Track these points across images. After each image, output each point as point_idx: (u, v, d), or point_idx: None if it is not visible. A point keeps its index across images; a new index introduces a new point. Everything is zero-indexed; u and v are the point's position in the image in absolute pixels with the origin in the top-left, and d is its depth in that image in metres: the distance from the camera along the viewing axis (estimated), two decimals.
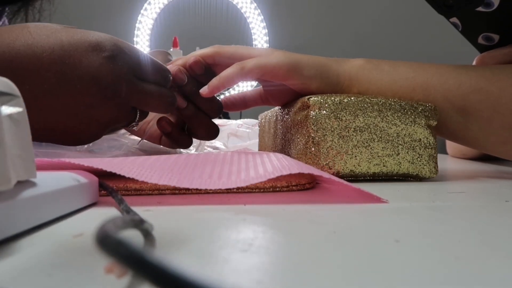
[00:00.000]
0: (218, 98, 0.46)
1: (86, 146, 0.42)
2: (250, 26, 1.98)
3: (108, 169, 0.24)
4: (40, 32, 0.32)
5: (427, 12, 0.71)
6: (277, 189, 0.28)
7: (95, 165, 0.24)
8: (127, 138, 0.48)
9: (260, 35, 1.97)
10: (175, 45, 1.42)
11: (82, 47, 0.33)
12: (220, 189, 0.25)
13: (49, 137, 0.35)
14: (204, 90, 0.41)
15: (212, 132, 0.46)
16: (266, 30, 1.97)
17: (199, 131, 0.46)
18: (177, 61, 0.44)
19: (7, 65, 0.30)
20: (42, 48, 0.32)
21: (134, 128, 0.41)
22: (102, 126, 0.36)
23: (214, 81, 0.40)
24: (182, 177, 0.25)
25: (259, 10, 1.96)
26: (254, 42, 1.97)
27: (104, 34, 0.35)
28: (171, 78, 0.40)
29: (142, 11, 1.93)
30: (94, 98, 0.34)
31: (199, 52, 0.43)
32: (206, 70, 0.43)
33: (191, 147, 0.50)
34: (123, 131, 0.50)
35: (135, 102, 0.37)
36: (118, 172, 0.24)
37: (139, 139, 0.48)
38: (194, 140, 0.48)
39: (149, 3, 1.94)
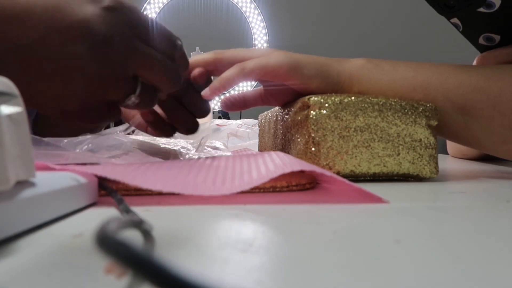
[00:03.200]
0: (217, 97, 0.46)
1: (85, 146, 0.42)
2: (250, 26, 1.98)
3: (112, 177, 0.24)
4: None
5: (427, 13, 0.71)
6: (277, 189, 0.28)
7: (99, 173, 0.24)
8: (127, 137, 0.48)
9: (260, 35, 1.97)
10: None
11: None
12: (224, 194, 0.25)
13: (33, 97, 0.32)
14: (205, 92, 0.41)
15: (190, 128, 0.44)
16: (266, 30, 1.97)
17: (177, 125, 0.44)
18: None
19: (1, 11, 0.30)
20: None
21: (132, 100, 0.35)
22: (89, 85, 0.32)
23: (215, 83, 0.40)
24: (186, 184, 0.25)
25: (258, 10, 1.96)
26: (254, 42, 1.97)
27: None
28: (180, 44, 0.37)
29: (142, 11, 1.93)
30: (84, 46, 0.31)
31: (199, 58, 0.43)
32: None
33: (191, 147, 0.50)
34: (121, 127, 0.49)
35: (135, 66, 0.33)
36: (121, 180, 0.23)
37: (139, 139, 0.48)
38: (194, 140, 0.48)
39: (149, 3, 1.94)
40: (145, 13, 0.34)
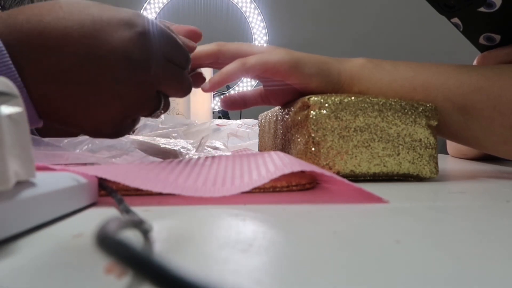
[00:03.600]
0: (216, 96, 0.46)
1: (85, 146, 0.42)
2: (250, 26, 1.98)
3: (113, 179, 0.24)
4: (71, 7, 0.32)
5: (428, 12, 0.71)
6: (277, 189, 0.28)
7: (100, 175, 0.24)
8: (127, 137, 0.48)
9: (260, 35, 1.97)
10: None
11: (113, 22, 0.32)
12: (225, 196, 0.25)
13: (68, 117, 0.34)
14: (205, 85, 0.41)
15: None
16: (266, 30, 1.97)
17: None
18: None
19: (36, 38, 0.30)
20: (73, 22, 0.31)
21: (157, 114, 0.38)
22: (125, 109, 0.34)
23: (216, 77, 0.40)
24: (186, 186, 0.25)
25: (258, 10, 1.96)
26: (254, 42, 1.97)
27: (137, 12, 0.34)
28: (190, 57, 0.39)
29: (142, 11, 1.93)
30: (122, 72, 0.32)
31: (201, 49, 0.43)
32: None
33: (191, 147, 0.50)
34: None
35: (161, 84, 0.35)
36: (122, 182, 0.23)
37: (139, 139, 0.48)
38: (194, 140, 0.48)
39: (149, 3, 1.94)
40: (166, 29, 0.36)
